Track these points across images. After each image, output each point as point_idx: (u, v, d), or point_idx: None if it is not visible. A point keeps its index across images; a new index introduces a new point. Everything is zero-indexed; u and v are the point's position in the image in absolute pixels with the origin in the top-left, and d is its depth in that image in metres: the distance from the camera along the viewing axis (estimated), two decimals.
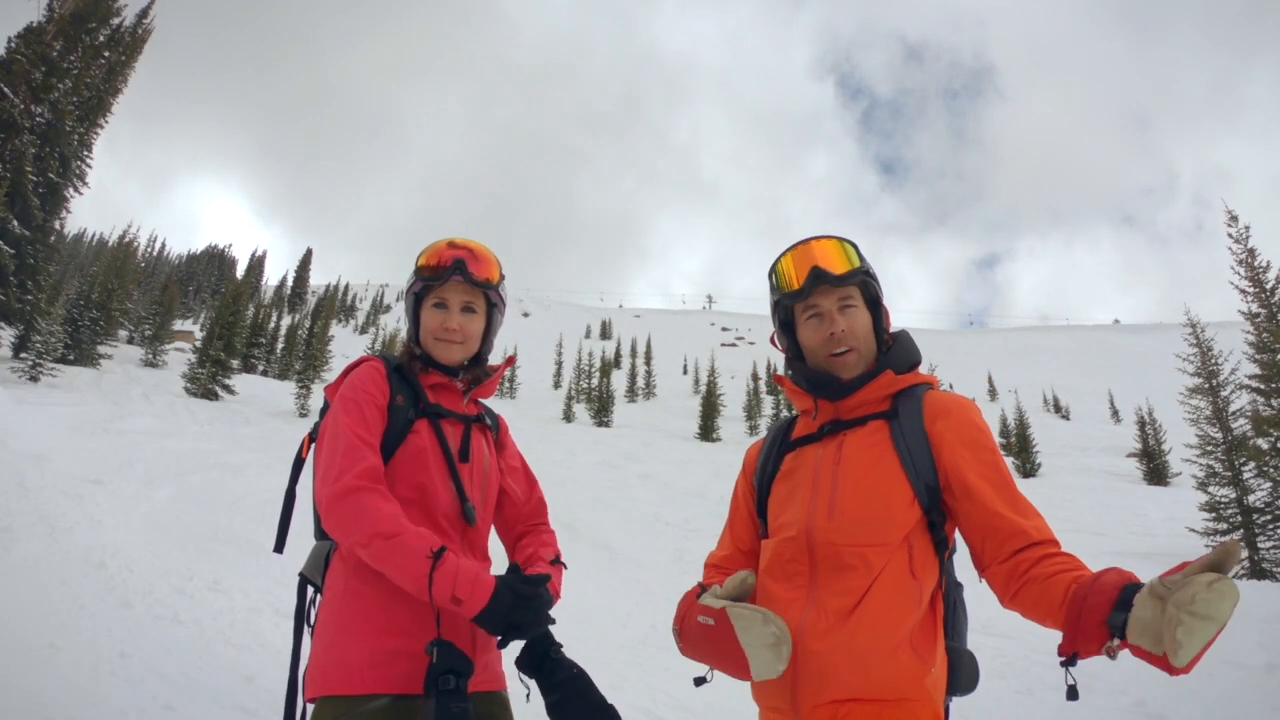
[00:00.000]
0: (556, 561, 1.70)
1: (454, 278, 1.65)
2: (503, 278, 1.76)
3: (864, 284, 1.54)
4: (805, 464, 1.52)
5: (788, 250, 1.58)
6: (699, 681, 1.45)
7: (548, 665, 1.48)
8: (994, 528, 1.34)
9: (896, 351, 1.54)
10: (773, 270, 1.60)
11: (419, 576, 1.36)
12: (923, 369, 1.60)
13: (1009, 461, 24.59)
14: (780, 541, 1.47)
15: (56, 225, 23.60)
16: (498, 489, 1.75)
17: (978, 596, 1.58)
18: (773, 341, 1.67)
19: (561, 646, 1.54)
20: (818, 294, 1.51)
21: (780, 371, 1.68)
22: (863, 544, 1.37)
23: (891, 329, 1.60)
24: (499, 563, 1.66)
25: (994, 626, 5.92)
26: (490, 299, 1.73)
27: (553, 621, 1.51)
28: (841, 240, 1.56)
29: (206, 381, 22.25)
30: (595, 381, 37.06)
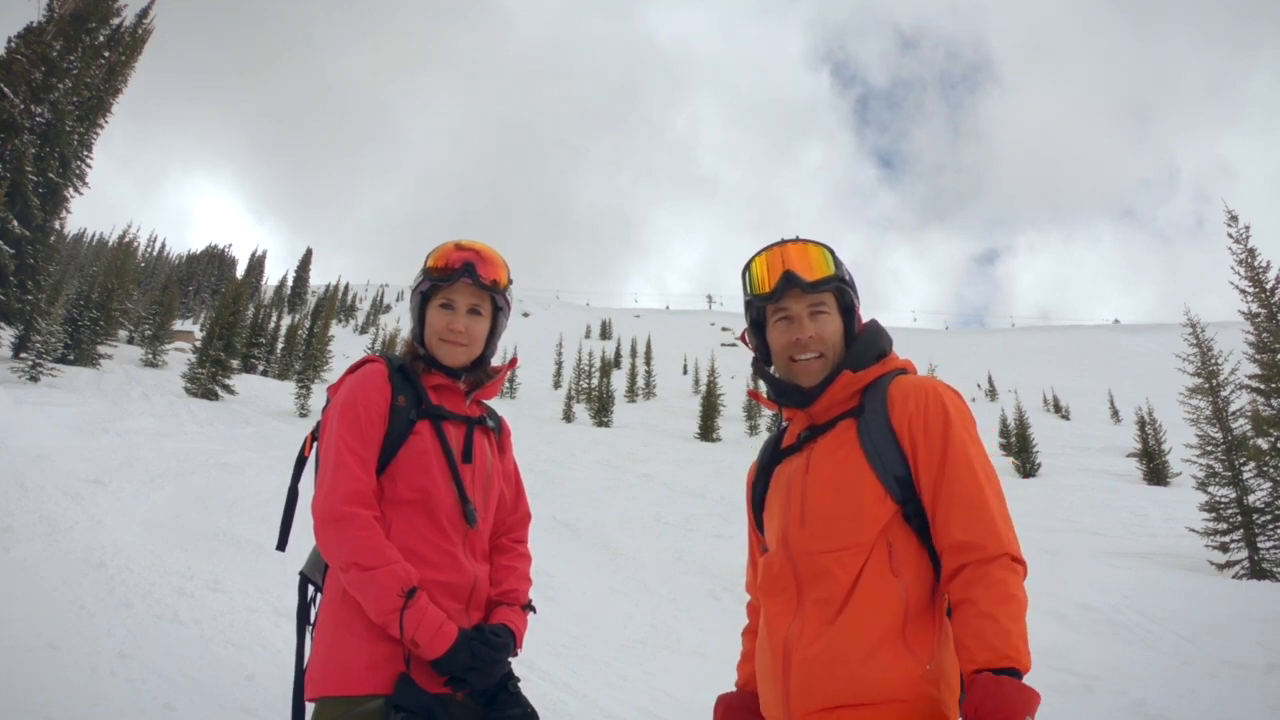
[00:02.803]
0: (527, 607, 1.70)
1: (462, 279, 1.66)
2: (511, 282, 1.76)
3: (839, 291, 1.53)
4: (783, 476, 1.53)
5: (762, 251, 1.56)
6: None
7: (503, 697, 1.52)
8: (935, 525, 1.32)
9: (858, 348, 1.51)
10: (746, 269, 1.58)
11: (389, 612, 1.42)
12: (922, 369, 1.58)
13: (1008, 462, 24.64)
14: (768, 557, 1.49)
15: (56, 225, 23.56)
16: (499, 490, 1.76)
17: None
18: (743, 339, 1.66)
19: (520, 681, 1.58)
20: (789, 297, 1.50)
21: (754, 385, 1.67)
22: (836, 548, 1.35)
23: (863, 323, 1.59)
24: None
25: None
26: (496, 302, 1.74)
27: (506, 672, 1.54)
28: (819, 245, 1.54)
29: (206, 381, 22.23)
30: (595, 381, 37.06)
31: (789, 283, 1.48)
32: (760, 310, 1.57)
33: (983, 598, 1.21)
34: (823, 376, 1.49)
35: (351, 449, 1.53)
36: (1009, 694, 1.11)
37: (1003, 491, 1.35)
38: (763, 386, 1.62)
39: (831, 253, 1.53)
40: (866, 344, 1.52)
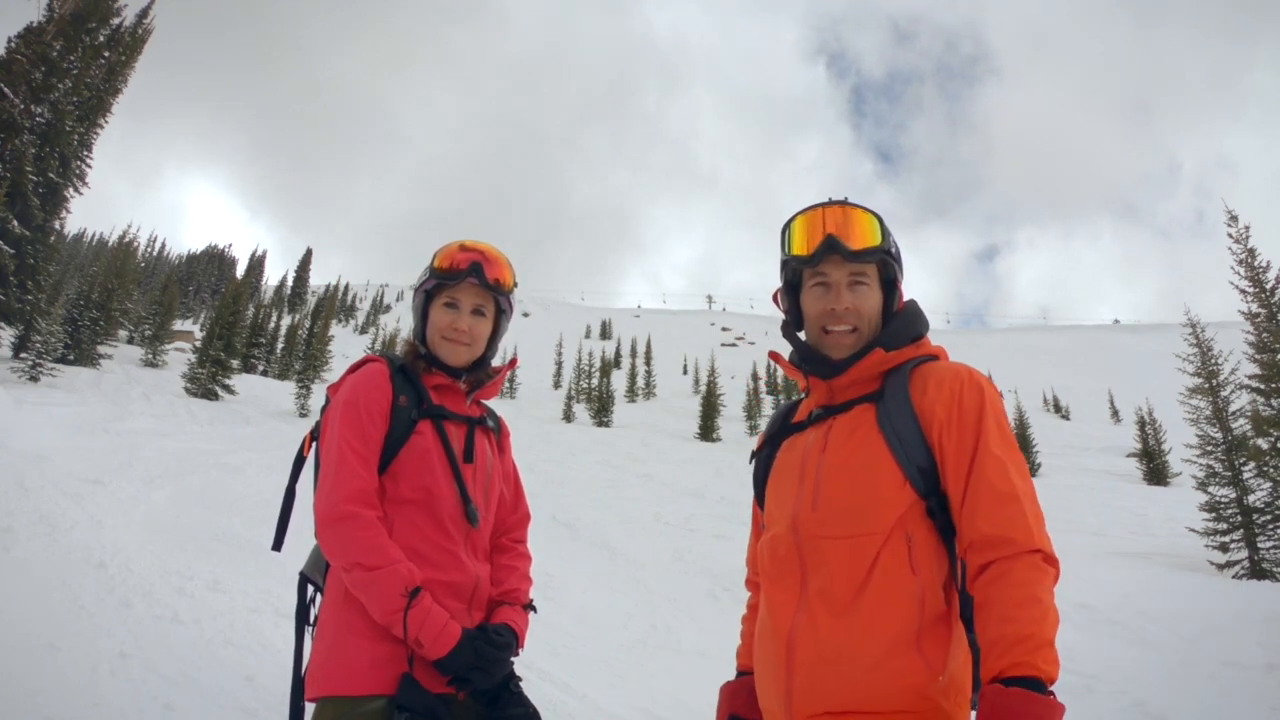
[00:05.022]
0: (528, 606, 1.70)
1: (468, 279, 1.66)
2: (516, 284, 1.77)
3: (883, 263, 1.41)
4: (795, 452, 1.43)
5: (806, 209, 1.45)
6: None
7: (505, 696, 1.52)
8: (960, 519, 1.22)
9: (894, 326, 1.41)
10: (786, 227, 1.46)
11: (392, 612, 1.42)
12: None
13: None
14: (771, 538, 1.39)
15: (56, 225, 23.57)
16: (499, 490, 1.76)
17: None
18: (775, 299, 1.54)
19: (521, 680, 1.58)
20: (828, 264, 1.40)
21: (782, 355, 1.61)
22: (846, 534, 1.26)
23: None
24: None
25: None
26: (500, 304, 1.74)
27: (508, 672, 1.55)
28: (868, 211, 1.42)
29: (206, 381, 22.21)
30: (595, 381, 37.04)
31: (830, 248, 1.38)
32: (796, 272, 1.47)
33: (1006, 599, 1.12)
34: (853, 351, 1.39)
35: (353, 448, 1.53)
36: (1017, 707, 1.03)
37: (1034, 489, 1.25)
38: (784, 358, 1.53)
39: (880, 221, 1.42)
40: (904, 323, 1.42)
